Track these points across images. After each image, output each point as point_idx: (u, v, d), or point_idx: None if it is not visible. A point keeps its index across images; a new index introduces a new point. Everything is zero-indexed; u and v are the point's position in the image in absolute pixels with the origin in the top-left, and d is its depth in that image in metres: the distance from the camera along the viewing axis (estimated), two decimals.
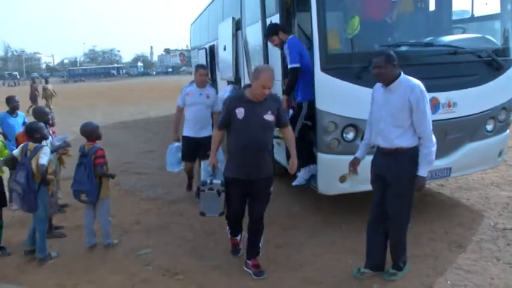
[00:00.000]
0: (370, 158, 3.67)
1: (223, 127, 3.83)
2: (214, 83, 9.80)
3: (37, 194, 4.13)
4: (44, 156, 4.12)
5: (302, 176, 4.84)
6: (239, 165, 3.73)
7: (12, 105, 5.96)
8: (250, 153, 3.66)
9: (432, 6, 5.39)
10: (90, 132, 4.46)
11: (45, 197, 4.24)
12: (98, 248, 4.51)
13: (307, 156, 4.69)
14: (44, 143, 4.36)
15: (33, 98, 18.94)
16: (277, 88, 4.92)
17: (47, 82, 20.11)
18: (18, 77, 77.79)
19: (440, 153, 4.53)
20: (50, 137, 4.77)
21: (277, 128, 3.95)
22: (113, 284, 3.80)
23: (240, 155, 3.71)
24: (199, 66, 5.77)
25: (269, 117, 3.65)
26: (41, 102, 18.08)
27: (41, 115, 4.97)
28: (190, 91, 5.62)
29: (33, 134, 4.29)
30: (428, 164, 3.38)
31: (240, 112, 3.61)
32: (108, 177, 4.51)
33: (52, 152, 4.50)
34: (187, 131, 5.69)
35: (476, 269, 3.78)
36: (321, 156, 4.39)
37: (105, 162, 4.44)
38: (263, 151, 3.72)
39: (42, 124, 4.44)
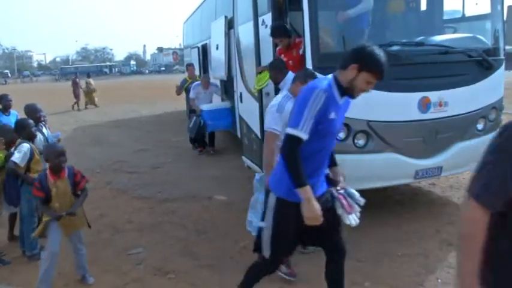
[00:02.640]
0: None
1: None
2: None
3: (19, 190, 4.10)
4: (17, 153, 4.03)
5: None
6: None
7: (5, 103, 5.89)
8: None
9: (423, 6, 5.42)
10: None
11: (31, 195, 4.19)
12: (89, 248, 4.48)
13: None
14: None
15: (76, 94, 19.18)
16: (270, 87, 4.93)
17: (88, 76, 20.42)
18: (9, 75, 77.08)
19: (431, 152, 4.58)
20: (40, 135, 4.69)
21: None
22: (104, 283, 3.78)
23: None
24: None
25: None
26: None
27: (32, 112, 4.82)
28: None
29: (21, 131, 4.24)
30: None
31: None
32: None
33: (41, 153, 4.46)
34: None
35: None
36: None
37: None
38: None
39: (31, 121, 4.39)
